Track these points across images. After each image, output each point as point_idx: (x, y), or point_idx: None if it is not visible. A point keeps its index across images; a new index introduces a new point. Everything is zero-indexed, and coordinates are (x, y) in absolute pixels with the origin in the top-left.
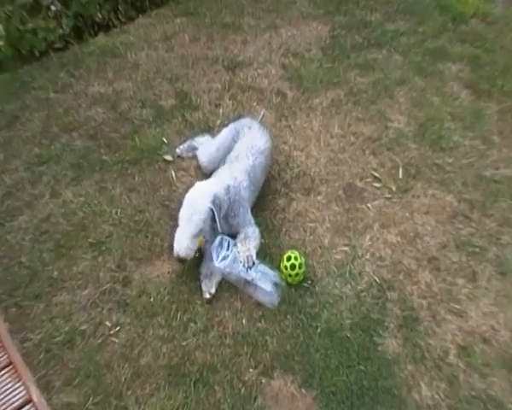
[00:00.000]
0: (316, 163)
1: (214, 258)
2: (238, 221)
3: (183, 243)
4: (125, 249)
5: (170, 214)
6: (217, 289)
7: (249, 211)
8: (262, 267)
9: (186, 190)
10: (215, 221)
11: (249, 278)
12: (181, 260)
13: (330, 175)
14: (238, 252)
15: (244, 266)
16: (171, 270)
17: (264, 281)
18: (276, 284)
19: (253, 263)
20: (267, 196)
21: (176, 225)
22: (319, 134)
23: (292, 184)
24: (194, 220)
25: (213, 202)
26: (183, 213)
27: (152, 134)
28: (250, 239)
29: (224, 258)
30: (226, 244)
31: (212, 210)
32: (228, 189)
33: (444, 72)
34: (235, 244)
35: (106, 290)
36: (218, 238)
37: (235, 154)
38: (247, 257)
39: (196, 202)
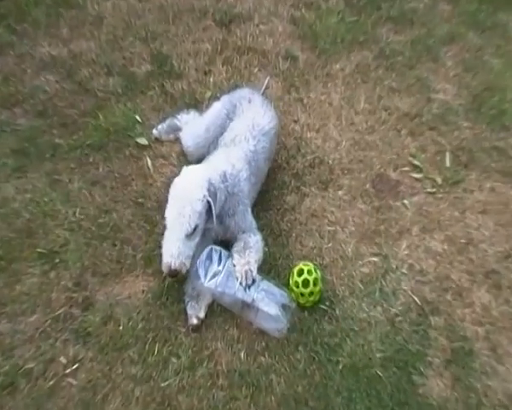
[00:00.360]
0: (336, 148)
1: (201, 275)
2: (236, 223)
3: (175, 248)
4: (85, 262)
5: (145, 215)
6: (206, 314)
7: (250, 211)
8: (265, 285)
9: (166, 184)
10: (209, 219)
11: (249, 300)
12: (173, 275)
13: (355, 164)
14: (234, 266)
15: (242, 284)
16: (146, 288)
17: (269, 303)
18: (284, 307)
19: (254, 280)
20: (272, 192)
21: (154, 230)
22: (340, 110)
23: (305, 176)
24: (186, 215)
25: (208, 189)
26: (172, 208)
27: (121, 110)
28: (250, 249)
29: (215, 275)
30: (217, 257)
31: (208, 201)
32: (224, 176)
33: (508, 25)
34: (229, 256)
35: (60, 316)
36: (207, 250)
37: (231, 136)
38: (246, 272)
39: (188, 190)
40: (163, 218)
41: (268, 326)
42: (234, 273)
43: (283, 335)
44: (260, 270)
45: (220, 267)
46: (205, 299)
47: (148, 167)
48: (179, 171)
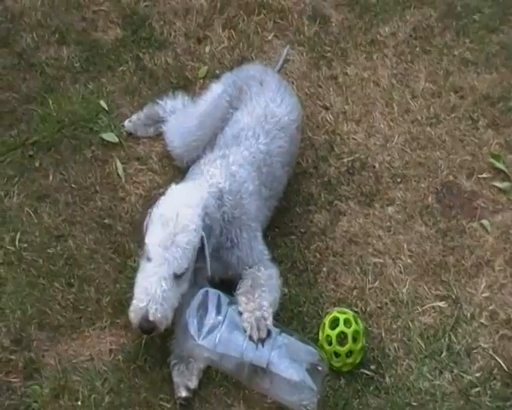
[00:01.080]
0: (385, 146)
1: (193, 331)
2: (239, 257)
3: (157, 289)
4: (28, 310)
5: (113, 243)
6: (200, 382)
7: (260, 237)
8: (286, 339)
9: (144, 199)
10: (201, 258)
11: (263, 363)
12: (147, 329)
13: (411, 168)
14: (240, 314)
15: (253, 338)
16: (115, 346)
17: (290, 364)
18: (312, 370)
19: (270, 333)
20: (294, 209)
21: (127, 264)
22: (391, 92)
23: (340, 186)
24: (180, 246)
25: (203, 222)
26: (158, 233)
27: (79, 94)
28: (262, 288)
29: (213, 329)
30: (215, 303)
31: (202, 237)
32: (220, 197)
33: None
34: (231, 302)
35: None
36: (200, 294)
37: (235, 131)
38: (258, 321)
39: (182, 214)
40: (140, 246)
41: (289, 398)
42: (240, 325)
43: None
44: (277, 318)
45: (220, 317)
46: (198, 362)
47: (119, 175)
48: (161, 180)
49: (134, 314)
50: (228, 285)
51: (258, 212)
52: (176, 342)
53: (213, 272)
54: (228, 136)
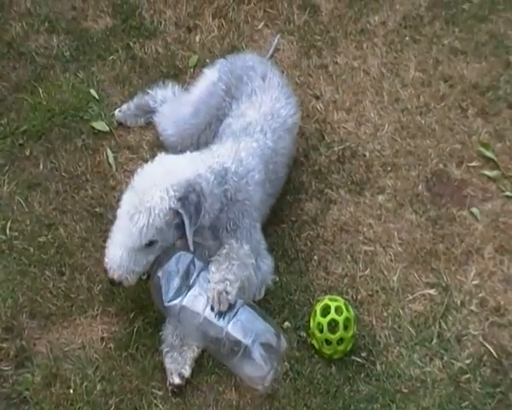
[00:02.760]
0: (375, 135)
1: (161, 293)
2: (237, 241)
3: (117, 256)
4: (19, 298)
5: (104, 231)
6: (193, 370)
7: (259, 228)
8: (245, 314)
9: None
10: (184, 233)
11: (219, 333)
12: (113, 284)
13: (401, 157)
14: (209, 281)
15: (213, 308)
16: (107, 334)
17: (243, 339)
18: (267, 347)
19: (231, 306)
20: (285, 198)
21: None
22: (381, 80)
23: (331, 175)
24: (139, 224)
25: (184, 196)
26: (127, 200)
27: (70, 83)
28: (233, 261)
29: (178, 294)
30: (184, 268)
31: (176, 211)
32: (224, 175)
33: None
34: (203, 268)
35: None
36: (173, 257)
37: (243, 123)
38: (220, 294)
39: (150, 191)
40: None
41: (242, 373)
42: (205, 293)
43: (267, 389)
44: (268, 306)
45: (188, 282)
46: (191, 349)
47: (110, 164)
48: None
49: (105, 266)
50: None
51: (260, 204)
52: (168, 328)
53: (208, 249)
54: (235, 127)
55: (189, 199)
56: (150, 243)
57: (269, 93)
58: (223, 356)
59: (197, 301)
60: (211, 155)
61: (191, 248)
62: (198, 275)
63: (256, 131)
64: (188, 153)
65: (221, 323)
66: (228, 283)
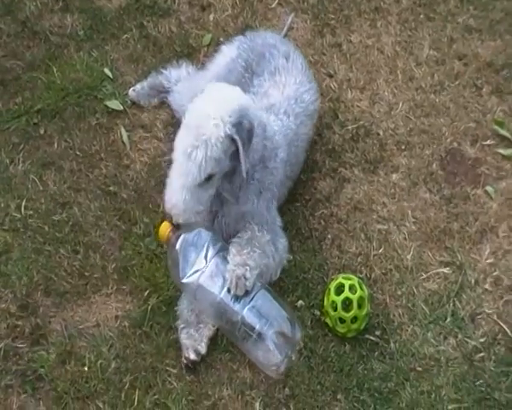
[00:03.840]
0: (389, 113)
1: (179, 268)
2: (255, 212)
3: (180, 200)
4: (34, 276)
5: (118, 210)
6: (208, 347)
7: (275, 206)
8: (261, 300)
9: (148, 166)
10: (236, 168)
11: (235, 317)
12: (176, 227)
13: (416, 135)
14: (228, 263)
15: (229, 291)
16: (121, 313)
17: (258, 325)
18: (281, 335)
19: (247, 292)
20: (299, 176)
21: (132, 230)
22: (395, 59)
23: (344, 154)
24: (198, 158)
25: (238, 121)
26: (182, 139)
27: (84, 62)
28: (254, 249)
29: (196, 271)
30: (204, 245)
31: (233, 139)
32: (265, 128)
33: None
34: (221, 248)
35: None
36: (192, 233)
37: (266, 103)
38: (238, 280)
39: (206, 120)
40: (145, 214)
41: (263, 361)
42: (223, 273)
43: (281, 376)
44: (282, 285)
45: (205, 261)
46: (207, 327)
47: (123, 142)
48: (166, 147)
49: (166, 211)
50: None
51: (280, 185)
52: (183, 304)
53: (226, 221)
54: (259, 106)
55: (243, 124)
56: (209, 177)
57: (292, 75)
58: (237, 339)
59: (214, 281)
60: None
61: (244, 174)
62: (216, 254)
63: (280, 112)
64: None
65: (237, 306)
66: (248, 268)
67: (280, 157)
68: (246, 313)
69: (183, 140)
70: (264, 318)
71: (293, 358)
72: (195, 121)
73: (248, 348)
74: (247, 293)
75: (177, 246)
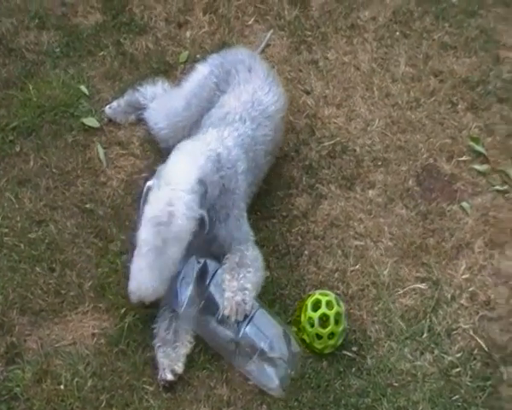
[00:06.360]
0: (365, 130)
1: (177, 301)
2: (228, 231)
3: (148, 286)
4: (10, 295)
5: (95, 227)
6: (185, 365)
7: (246, 218)
8: (260, 318)
9: (124, 183)
10: (199, 233)
11: (233, 339)
12: (141, 306)
13: (392, 152)
14: (224, 290)
15: (230, 318)
16: (98, 330)
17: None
18: (283, 355)
19: (246, 316)
20: (275, 193)
21: (109, 248)
22: (371, 76)
23: (321, 170)
24: (171, 256)
25: (201, 198)
26: (149, 232)
27: (60, 79)
28: (247, 268)
29: (193, 301)
30: (199, 271)
31: (202, 217)
32: (219, 161)
33: None
34: (215, 273)
35: None
36: (189, 263)
37: (221, 113)
38: (238, 305)
39: (169, 216)
40: (121, 231)
41: (262, 379)
42: (220, 299)
43: (282, 393)
44: (259, 301)
45: (204, 287)
46: (184, 345)
47: (100, 159)
48: (142, 164)
49: (130, 295)
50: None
51: (244, 194)
52: (161, 322)
53: (198, 244)
54: (214, 118)
55: (203, 195)
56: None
57: (252, 83)
58: (237, 361)
59: (212, 307)
60: (202, 142)
61: (207, 227)
62: (211, 280)
63: (235, 120)
64: (183, 148)
65: (235, 330)
66: (246, 292)
67: (240, 171)
68: (245, 334)
69: (151, 236)
70: (264, 336)
71: (292, 374)
72: (162, 218)
73: (248, 370)
74: (245, 318)
75: (173, 279)
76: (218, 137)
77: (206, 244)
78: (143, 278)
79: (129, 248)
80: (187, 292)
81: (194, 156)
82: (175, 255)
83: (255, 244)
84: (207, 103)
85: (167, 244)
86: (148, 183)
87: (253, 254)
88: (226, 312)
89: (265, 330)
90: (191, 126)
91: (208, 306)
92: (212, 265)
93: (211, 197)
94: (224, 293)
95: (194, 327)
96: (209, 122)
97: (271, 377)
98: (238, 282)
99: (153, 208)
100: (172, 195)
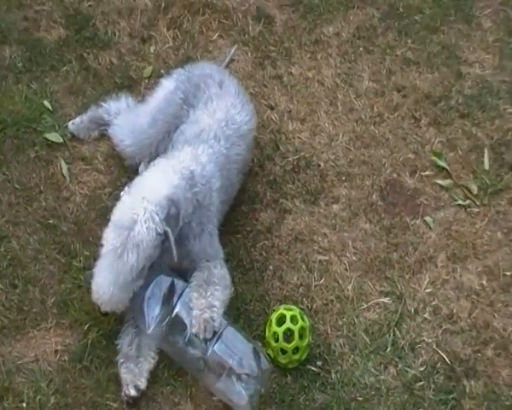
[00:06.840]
0: (329, 144)
1: (144, 320)
2: (202, 248)
3: (107, 293)
4: None
5: (58, 243)
6: (149, 381)
7: (217, 236)
8: (229, 335)
9: (88, 198)
10: (164, 252)
11: (202, 357)
12: (103, 315)
13: (356, 166)
14: (191, 308)
15: (198, 336)
16: (61, 347)
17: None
18: (253, 372)
19: (215, 334)
20: (239, 207)
21: (72, 264)
22: (335, 91)
23: (285, 185)
24: (130, 261)
25: (167, 214)
26: (112, 237)
27: (22, 94)
28: (215, 286)
29: (161, 320)
30: (166, 290)
31: (166, 233)
32: (192, 178)
33: None
34: (182, 292)
35: None
36: (155, 282)
37: (196, 130)
38: (206, 322)
39: (131, 222)
40: (85, 247)
41: (231, 396)
42: (187, 318)
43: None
44: (224, 317)
45: (171, 306)
46: (147, 361)
47: (63, 175)
48: (106, 180)
49: (93, 296)
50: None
51: (217, 211)
52: (124, 338)
53: (169, 260)
54: (188, 134)
55: (171, 214)
56: (141, 272)
57: (225, 100)
58: (205, 379)
59: (179, 326)
60: (176, 160)
61: (175, 259)
62: (179, 299)
63: (210, 138)
64: (157, 164)
65: (204, 348)
66: (215, 309)
67: (215, 188)
68: (213, 352)
69: (112, 238)
70: (233, 353)
71: (262, 390)
72: (124, 222)
73: (218, 387)
74: (214, 335)
75: (140, 298)
76: (192, 155)
77: (179, 260)
78: (102, 280)
79: (92, 264)
80: (154, 312)
81: (167, 174)
82: (132, 262)
83: (224, 262)
84: (174, 119)
85: (126, 249)
86: (124, 189)
87: (220, 272)
88: (194, 330)
89: (234, 348)
90: (158, 143)
91: (176, 325)
92: (179, 284)
93: (185, 215)
94: (191, 311)
95: (162, 346)
96: (183, 138)
97: (241, 395)
98: (206, 299)
99: (118, 212)
100: (138, 203)
